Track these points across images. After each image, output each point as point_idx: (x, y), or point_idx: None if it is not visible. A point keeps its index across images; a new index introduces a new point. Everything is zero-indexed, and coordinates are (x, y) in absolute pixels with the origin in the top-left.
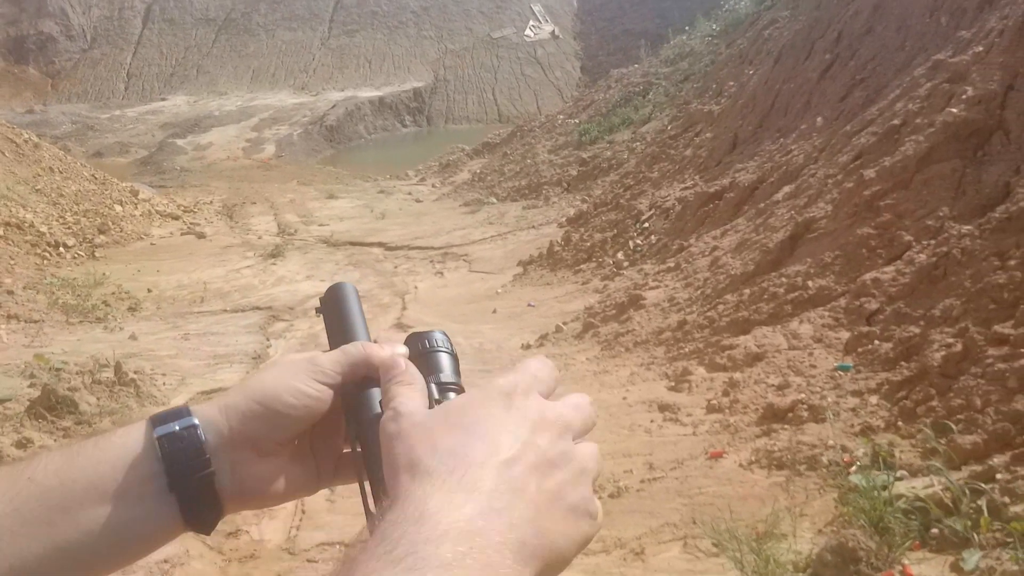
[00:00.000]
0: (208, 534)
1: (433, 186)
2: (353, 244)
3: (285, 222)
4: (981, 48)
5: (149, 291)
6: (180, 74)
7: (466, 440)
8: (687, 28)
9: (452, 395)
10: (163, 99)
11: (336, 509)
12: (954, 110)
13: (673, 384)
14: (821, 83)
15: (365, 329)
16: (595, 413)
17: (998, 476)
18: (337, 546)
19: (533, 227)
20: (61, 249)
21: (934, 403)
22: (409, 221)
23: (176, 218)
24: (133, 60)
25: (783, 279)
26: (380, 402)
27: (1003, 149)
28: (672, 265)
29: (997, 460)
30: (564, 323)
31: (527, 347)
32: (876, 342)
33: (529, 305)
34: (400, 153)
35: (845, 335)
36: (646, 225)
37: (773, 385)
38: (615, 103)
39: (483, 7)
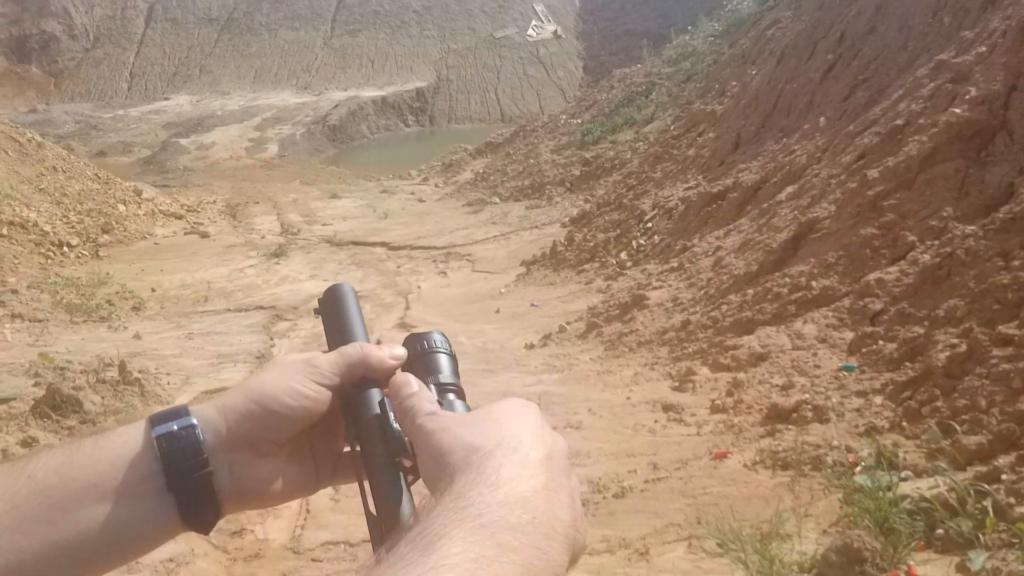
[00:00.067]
0: (207, 534)
1: (436, 186)
2: (356, 244)
3: (288, 222)
4: (984, 48)
5: (153, 290)
6: (183, 73)
7: (511, 429)
8: (689, 28)
9: (451, 395)
10: (166, 99)
11: (340, 508)
12: (957, 110)
13: (677, 384)
14: (824, 83)
15: (363, 330)
16: None
17: (1003, 477)
18: (342, 545)
19: (536, 227)
20: (65, 248)
21: (939, 404)
22: (412, 221)
23: (179, 218)
24: (136, 59)
25: (787, 279)
26: (380, 403)
27: (1006, 149)
28: (675, 265)
29: (1002, 461)
30: (567, 323)
31: (530, 347)
32: (880, 342)
33: (532, 305)
34: (403, 153)
35: (849, 335)
36: (649, 225)
37: (777, 385)
38: (618, 103)
39: (485, 7)
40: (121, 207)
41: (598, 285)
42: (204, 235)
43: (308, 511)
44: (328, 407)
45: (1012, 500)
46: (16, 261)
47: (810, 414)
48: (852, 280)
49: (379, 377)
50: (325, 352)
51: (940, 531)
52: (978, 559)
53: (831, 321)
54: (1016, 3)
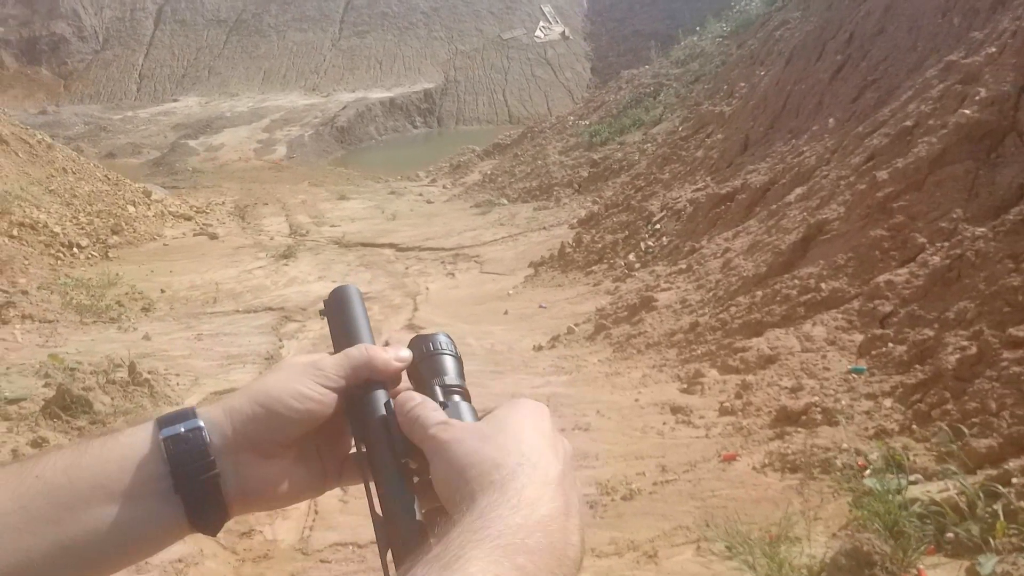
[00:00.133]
0: (214, 535)
1: (444, 187)
2: (364, 245)
3: (297, 223)
4: (994, 49)
5: (162, 291)
6: (192, 75)
7: (530, 442)
8: (697, 29)
9: (457, 397)
10: (175, 100)
11: (349, 510)
12: (967, 111)
13: (685, 386)
14: (833, 84)
15: (369, 331)
16: None
17: (1014, 480)
18: (350, 547)
19: (544, 228)
20: (75, 249)
21: (948, 406)
22: (420, 222)
23: (188, 219)
24: (145, 61)
25: (796, 281)
26: (385, 404)
27: (1016, 151)
28: (684, 267)
29: (1013, 464)
30: (575, 324)
31: (538, 348)
32: (890, 345)
33: (540, 306)
34: (411, 154)
35: (859, 337)
36: (657, 227)
37: (786, 388)
38: (626, 104)
39: (493, 8)
40: (130, 208)
41: (606, 287)
42: (213, 236)
43: (317, 512)
44: (334, 409)
45: (1023, 504)
46: (26, 262)
47: (819, 417)
48: (861, 282)
49: (384, 379)
50: (331, 354)
51: (950, 535)
52: (988, 563)
53: (840, 323)
54: None
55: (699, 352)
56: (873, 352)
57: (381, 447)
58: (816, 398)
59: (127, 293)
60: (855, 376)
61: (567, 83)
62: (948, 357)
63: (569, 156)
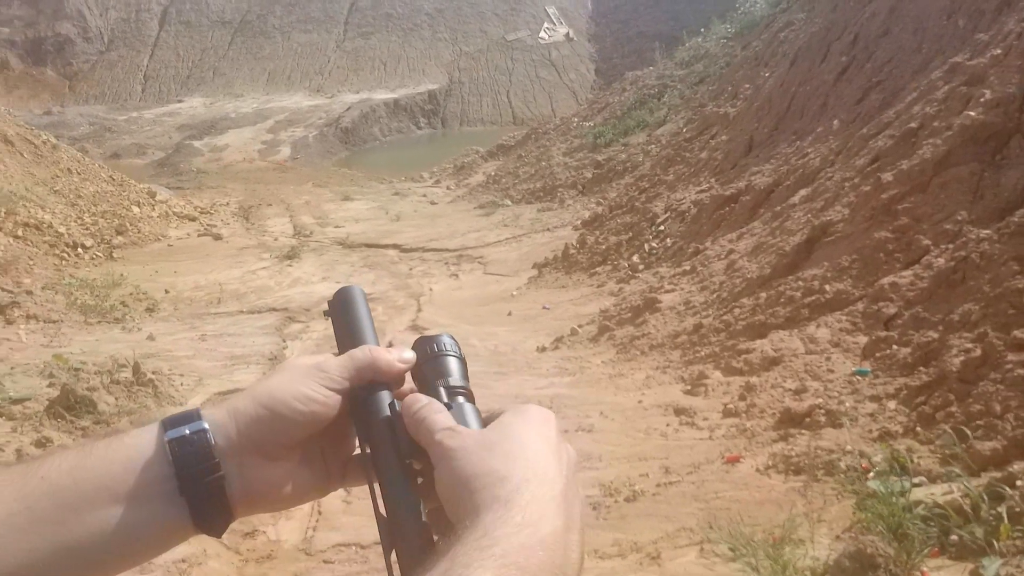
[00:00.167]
0: (218, 537)
1: (448, 188)
2: (368, 246)
3: (300, 224)
4: (999, 51)
5: (166, 292)
6: (196, 76)
7: (535, 454)
8: (702, 30)
9: (461, 398)
10: (180, 101)
11: (352, 510)
12: (972, 113)
13: (689, 388)
14: (837, 85)
15: (373, 332)
16: None
17: (1018, 483)
18: (353, 547)
19: (548, 229)
20: (79, 250)
21: (953, 409)
22: (424, 223)
23: (193, 219)
24: (150, 62)
25: (800, 283)
26: (390, 405)
27: (1022, 153)
28: (688, 268)
29: (1017, 466)
30: (579, 326)
31: (542, 349)
32: (894, 347)
33: (544, 308)
34: (415, 155)
35: (863, 339)
36: (661, 228)
37: (790, 389)
38: (630, 105)
39: (497, 9)
40: (135, 209)
41: (610, 288)
42: (217, 237)
43: (320, 513)
44: (338, 411)
45: None
46: (31, 262)
47: (823, 419)
48: (866, 284)
49: (388, 380)
50: (335, 355)
51: (954, 537)
52: (992, 566)
53: (845, 325)
54: None
55: (703, 354)
56: (877, 354)
57: (385, 448)
58: (820, 400)
59: (131, 293)
60: (859, 378)
61: (571, 84)
62: (952, 359)
63: (573, 157)
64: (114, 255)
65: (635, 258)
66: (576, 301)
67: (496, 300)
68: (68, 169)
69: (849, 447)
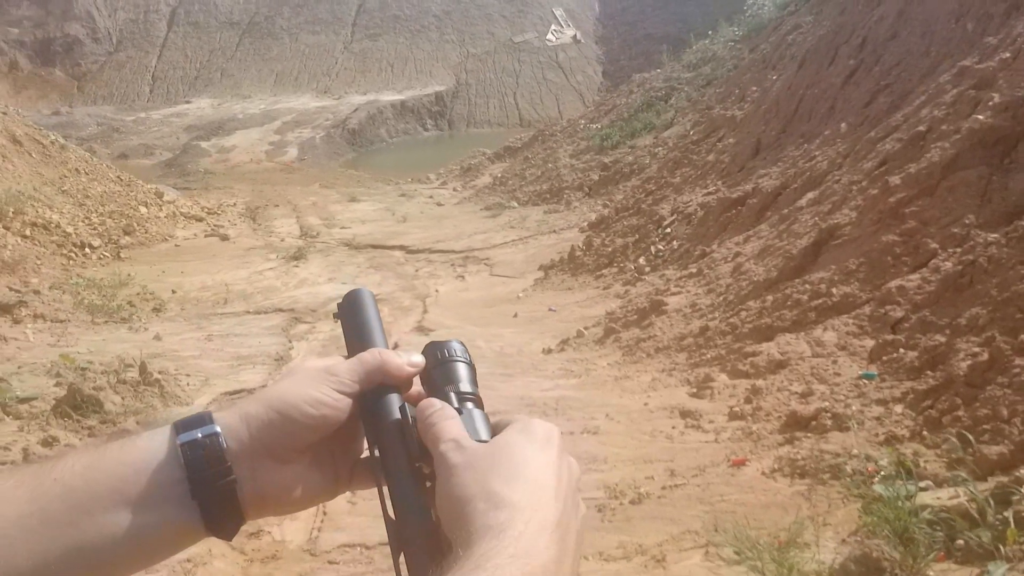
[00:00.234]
0: (229, 540)
1: (454, 190)
2: (374, 247)
3: (307, 225)
4: (1008, 54)
5: (173, 292)
6: (204, 77)
7: (534, 478)
8: (709, 33)
9: (470, 404)
10: (187, 102)
11: (357, 511)
12: (980, 117)
13: (695, 390)
14: (845, 89)
15: (382, 335)
16: None
17: None
18: (358, 548)
19: (554, 231)
20: (87, 250)
21: (960, 413)
22: (430, 224)
23: (200, 220)
24: (158, 63)
25: (807, 286)
26: (400, 408)
27: None
28: (694, 271)
29: None
30: (585, 328)
31: (548, 351)
32: (901, 350)
33: (550, 310)
34: (421, 157)
35: (870, 343)
36: (668, 230)
37: (796, 393)
38: (637, 108)
39: (505, 11)
40: (142, 209)
41: (616, 290)
42: (224, 237)
43: (325, 513)
44: (348, 414)
45: None
46: (38, 262)
47: (829, 422)
48: (873, 287)
49: (397, 383)
50: (345, 357)
51: (960, 541)
52: (998, 571)
53: (851, 328)
54: None
55: (709, 356)
56: (884, 358)
57: (395, 450)
58: (826, 403)
59: (138, 293)
60: (866, 382)
61: (578, 86)
62: (959, 363)
63: (580, 159)
64: (121, 255)
65: (641, 260)
66: (582, 303)
67: (502, 302)
68: (76, 169)
69: (855, 451)
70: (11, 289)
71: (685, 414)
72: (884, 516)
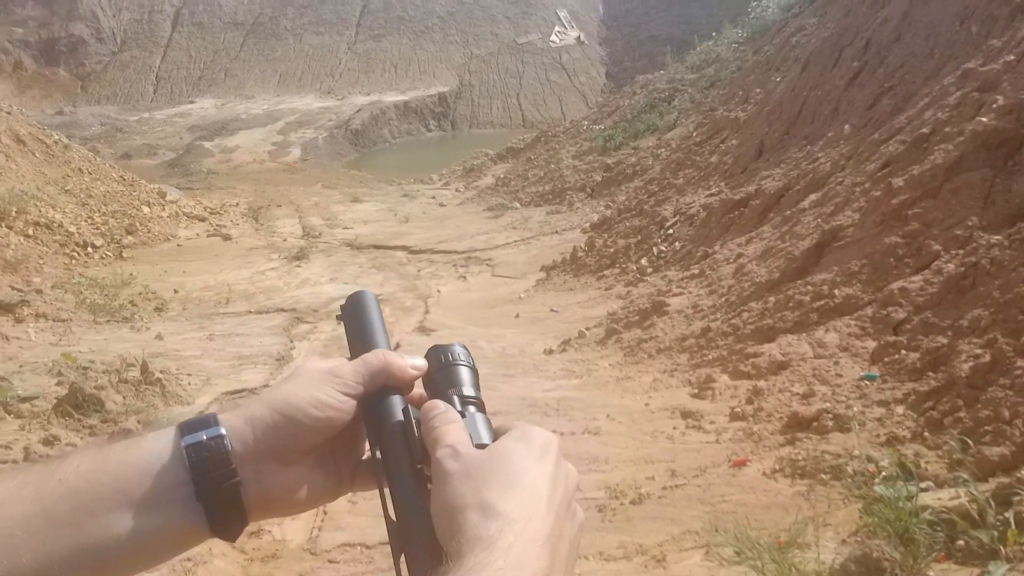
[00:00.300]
0: (233, 541)
1: (457, 190)
2: (377, 247)
3: (309, 225)
4: (1012, 57)
5: (175, 292)
6: (208, 77)
7: (530, 488)
8: (713, 34)
9: (472, 408)
10: (191, 102)
11: (358, 511)
12: (984, 119)
13: (696, 391)
14: (849, 91)
15: (385, 336)
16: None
17: None
18: (358, 547)
19: (557, 232)
20: (89, 249)
21: (961, 414)
22: (432, 225)
23: (202, 220)
24: (162, 63)
25: (809, 287)
26: (404, 410)
27: None
28: (696, 272)
29: None
30: (587, 328)
31: (549, 352)
32: (903, 352)
33: (552, 310)
34: (424, 157)
35: (871, 344)
36: (670, 231)
37: (798, 394)
38: (640, 109)
39: (509, 13)
40: (145, 209)
41: (618, 291)
42: (227, 237)
43: (325, 513)
44: (352, 416)
45: None
46: (41, 261)
47: (831, 423)
48: (875, 289)
49: (400, 385)
50: (348, 359)
51: (961, 542)
52: (998, 571)
53: (853, 330)
54: None
55: (710, 357)
56: (886, 359)
57: (397, 452)
58: (828, 404)
59: (140, 293)
60: (867, 383)
61: (581, 88)
62: (961, 365)
63: (583, 160)
64: (124, 255)
65: (643, 261)
66: (584, 304)
67: (504, 302)
68: (79, 169)
69: (856, 451)
70: (13, 288)
71: (686, 415)
72: (885, 517)
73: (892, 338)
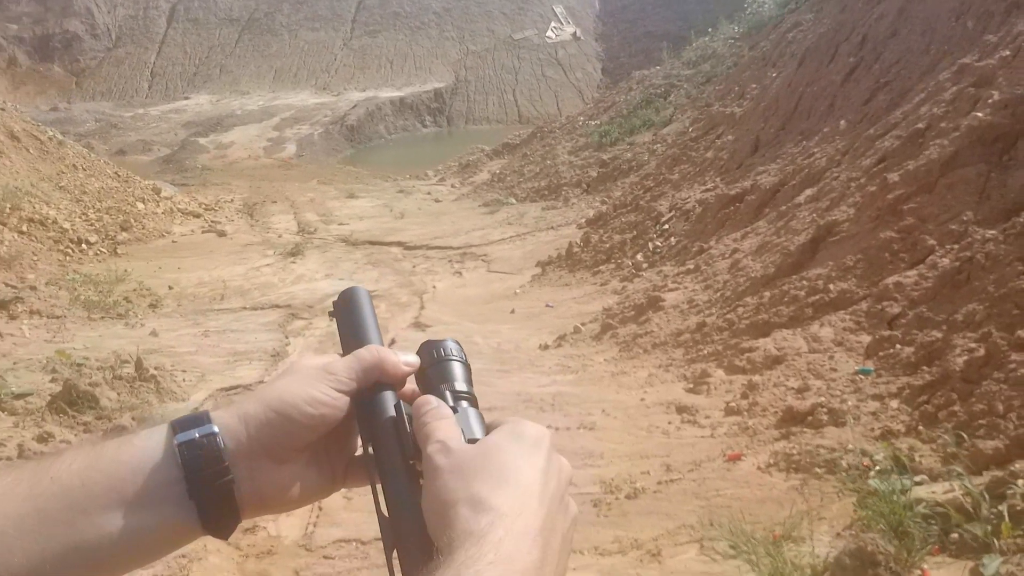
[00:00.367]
0: (226, 539)
1: (452, 186)
2: (372, 243)
3: (305, 221)
4: (1008, 52)
5: (170, 288)
6: (203, 73)
7: (519, 482)
8: (709, 30)
9: (465, 403)
10: (186, 98)
11: (353, 507)
12: (979, 114)
13: (691, 386)
14: (845, 86)
15: (378, 332)
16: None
17: (1020, 481)
18: (353, 543)
19: (552, 228)
20: (84, 246)
21: (956, 408)
22: (428, 221)
23: (197, 216)
24: (157, 59)
25: (804, 282)
26: (396, 406)
27: None
28: (692, 267)
29: (1019, 465)
30: (582, 324)
31: (545, 347)
32: (897, 346)
33: (547, 306)
34: (420, 153)
35: (866, 339)
36: (666, 227)
37: (793, 388)
38: (636, 105)
39: (505, 8)
40: (140, 205)
41: (613, 286)
42: (221, 234)
43: (320, 509)
44: (346, 412)
45: None
46: (35, 258)
47: (825, 417)
48: (870, 284)
49: (393, 381)
50: (341, 355)
51: (955, 535)
52: (992, 564)
53: (848, 324)
54: None
55: (706, 352)
56: (880, 353)
57: (390, 448)
58: (822, 399)
59: (135, 289)
60: (862, 377)
61: (577, 83)
62: (956, 359)
63: (578, 156)
64: (118, 251)
65: (639, 257)
66: (579, 299)
67: (499, 298)
68: (74, 165)
69: (851, 445)
70: (7, 285)
71: (681, 409)
72: (879, 510)
73: (887, 332)
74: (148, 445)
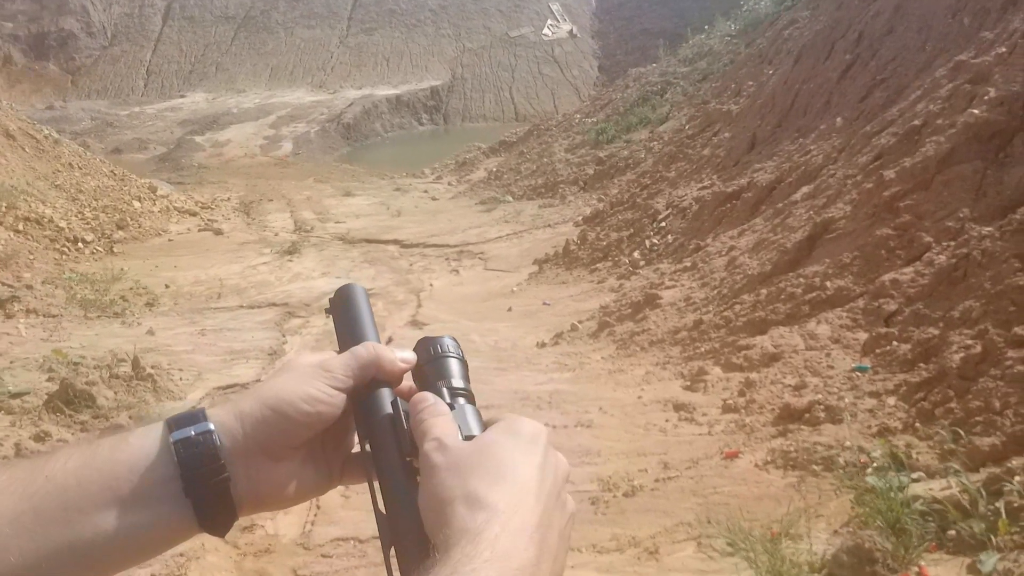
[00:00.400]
0: (222, 537)
1: (449, 184)
2: (369, 241)
3: (301, 219)
4: (1004, 49)
5: (166, 287)
6: (199, 71)
7: (516, 479)
8: (706, 28)
9: (462, 400)
10: (182, 96)
11: (351, 505)
12: (976, 111)
13: (689, 384)
14: (841, 83)
15: (374, 329)
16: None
17: (1017, 478)
18: (351, 541)
19: (549, 226)
20: (80, 244)
21: (952, 405)
22: (425, 219)
23: (194, 214)
24: (153, 57)
25: (801, 279)
26: (392, 403)
27: None
28: (689, 264)
29: (1016, 462)
30: (579, 322)
31: (542, 345)
32: (894, 343)
33: (544, 303)
34: (417, 151)
35: (863, 336)
36: (663, 224)
37: (790, 385)
38: (633, 102)
39: (501, 6)
40: (136, 204)
41: (611, 284)
42: (218, 232)
43: (318, 507)
44: (342, 410)
45: None
46: (31, 257)
47: (822, 414)
48: (867, 281)
49: (390, 378)
50: (337, 354)
51: (952, 532)
52: (989, 560)
53: (845, 322)
54: None
55: (703, 350)
56: (877, 350)
57: (387, 445)
58: (819, 396)
59: (131, 288)
60: (859, 374)
61: (574, 81)
62: (952, 356)
63: (575, 154)
64: (114, 250)
65: (636, 254)
66: (576, 297)
67: (496, 296)
68: (69, 164)
69: (848, 443)
70: (4, 284)
71: (679, 407)
72: (876, 507)
73: (883, 329)
74: (144, 443)
